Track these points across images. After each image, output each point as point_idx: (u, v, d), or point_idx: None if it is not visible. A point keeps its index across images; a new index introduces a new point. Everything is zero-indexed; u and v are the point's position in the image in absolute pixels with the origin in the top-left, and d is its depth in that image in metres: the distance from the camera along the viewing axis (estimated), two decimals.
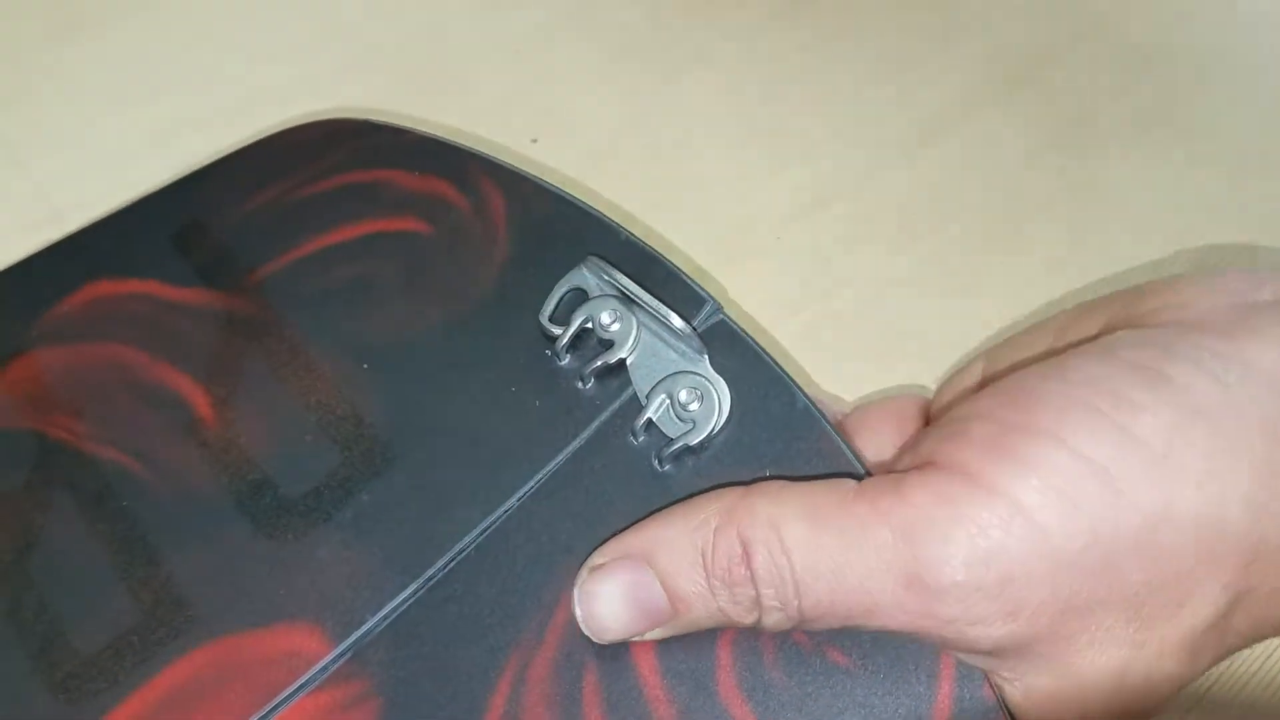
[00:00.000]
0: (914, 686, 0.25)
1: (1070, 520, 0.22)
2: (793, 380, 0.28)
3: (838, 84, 0.45)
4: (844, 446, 0.27)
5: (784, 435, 0.27)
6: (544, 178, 0.32)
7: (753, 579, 0.24)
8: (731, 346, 0.29)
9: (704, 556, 0.24)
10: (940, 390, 0.31)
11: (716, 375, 0.28)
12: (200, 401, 0.30)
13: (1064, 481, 0.22)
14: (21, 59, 0.44)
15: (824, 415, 0.28)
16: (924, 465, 0.24)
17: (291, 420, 0.29)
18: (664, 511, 0.26)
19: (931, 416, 0.31)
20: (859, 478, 0.27)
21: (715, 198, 0.41)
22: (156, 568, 0.28)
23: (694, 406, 0.28)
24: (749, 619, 0.25)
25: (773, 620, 0.24)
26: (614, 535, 0.26)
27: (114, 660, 0.26)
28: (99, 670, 0.26)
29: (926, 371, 0.36)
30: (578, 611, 0.26)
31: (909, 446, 0.27)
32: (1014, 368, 0.28)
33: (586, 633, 0.26)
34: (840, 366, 0.36)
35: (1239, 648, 0.24)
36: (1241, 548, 0.22)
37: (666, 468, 0.28)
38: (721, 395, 0.28)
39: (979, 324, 0.37)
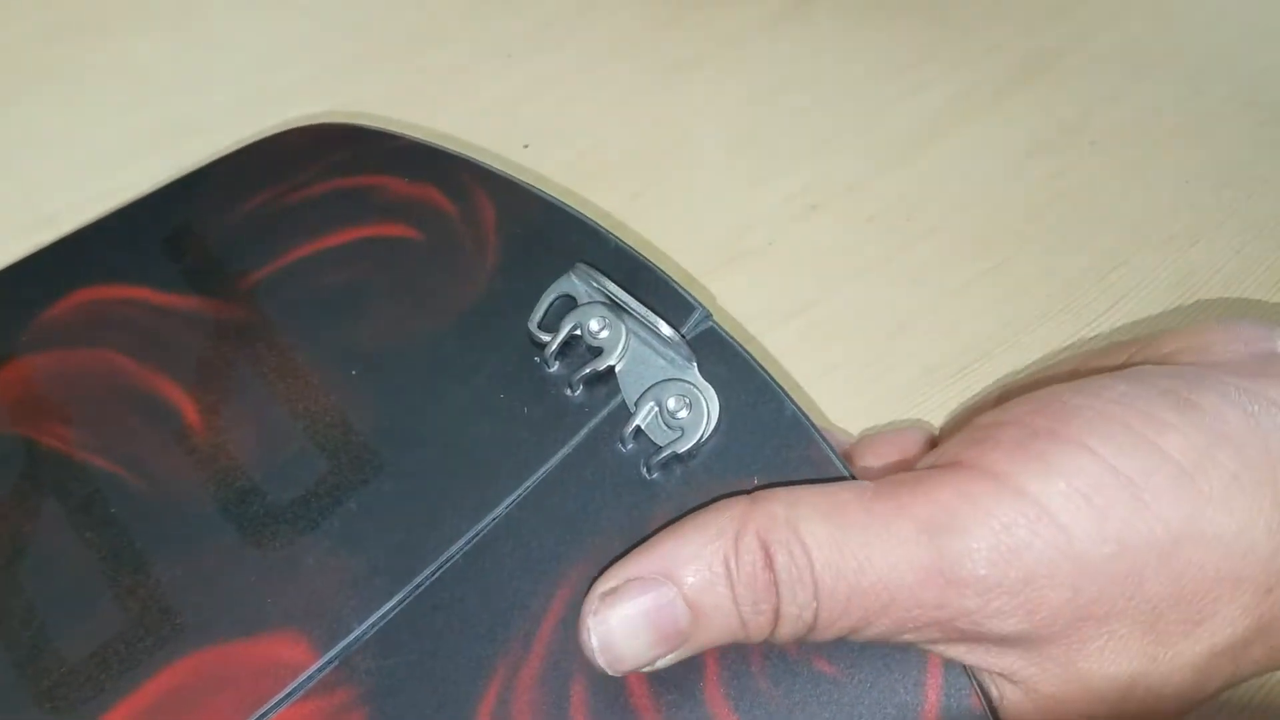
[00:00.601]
0: (900, 696, 0.25)
1: (1096, 527, 0.22)
2: (781, 388, 0.28)
3: (829, 90, 0.45)
4: (833, 455, 0.27)
5: (772, 443, 0.27)
6: (536, 184, 0.32)
7: (775, 583, 0.24)
8: (720, 354, 0.28)
9: (728, 565, 0.24)
10: (949, 420, 0.31)
11: (705, 383, 0.28)
12: (189, 408, 0.30)
13: (1091, 489, 0.22)
14: (14, 62, 0.44)
15: (814, 426, 0.28)
16: (947, 465, 0.24)
17: (280, 427, 0.29)
18: (671, 529, 0.25)
19: (940, 442, 0.30)
20: None
21: (707, 203, 0.41)
22: (144, 576, 0.27)
23: (682, 414, 0.28)
24: (766, 631, 0.24)
25: (787, 630, 0.24)
26: (617, 559, 0.25)
27: (101, 669, 0.26)
28: (85, 679, 0.26)
29: (919, 379, 0.36)
30: (592, 642, 0.24)
31: (923, 455, 0.27)
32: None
33: (600, 665, 0.24)
34: (832, 373, 0.36)
35: (1251, 676, 0.24)
36: (1264, 573, 0.23)
37: (655, 475, 0.27)
38: (710, 403, 0.28)
39: (972, 330, 0.37)
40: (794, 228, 0.40)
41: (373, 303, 0.31)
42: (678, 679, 0.25)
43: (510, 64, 0.45)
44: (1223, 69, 0.45)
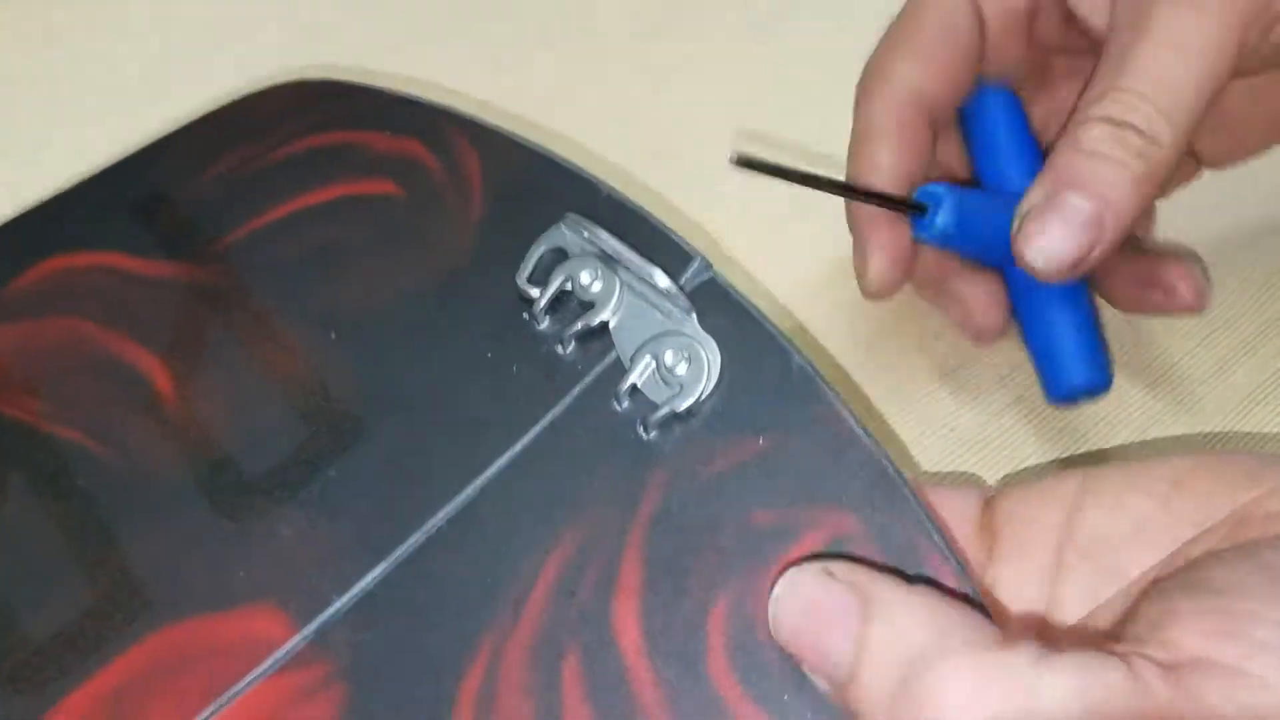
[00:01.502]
0: None
1: None
2: (789, 340, 0.26)
3: (817, 95, 0.43)
4: (845, 412, 0.25)
5: (778, 399, 0.26)
6: None
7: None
8: (722, 306, 0.27)
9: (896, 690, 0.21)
10: (1011, 494, 0.27)
11: (706, 335, 0.26)
12: (161, 377, 0.29)
13: None
14: None
15: (824, 379, 0.26)
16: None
17: (256, 394, 0.28)
18: (852, 567, 0.23)
19: (999, 522, 0.27)
20: (867, 451, 0.25)
21: (695, 209, 0.40)
22: (113, 550, 0.26)
23: (681, 369, 0.26)
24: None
25: None
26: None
27: (68, 647, 0.25)
28: (51, 657, 0.25)
29: (898, 387, 0.35)
30: (775, 590, 0.23)
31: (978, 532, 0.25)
32: (1121, 504, 0.25)
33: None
34: (837, 363, 0.35)
35: None
36: None
37: (652, 435, 0.26)
38: (711, 357, 0.26)
39: (951, 339, 0.36)
40: (780, 234, 0.39)
41: (353, 262, 0.30)
42: (679, 652, 0.24)
43: (496, 70, 0.44)
44: None
